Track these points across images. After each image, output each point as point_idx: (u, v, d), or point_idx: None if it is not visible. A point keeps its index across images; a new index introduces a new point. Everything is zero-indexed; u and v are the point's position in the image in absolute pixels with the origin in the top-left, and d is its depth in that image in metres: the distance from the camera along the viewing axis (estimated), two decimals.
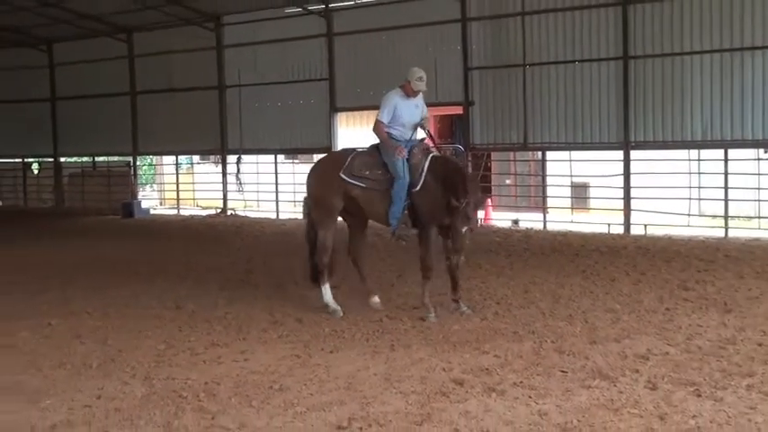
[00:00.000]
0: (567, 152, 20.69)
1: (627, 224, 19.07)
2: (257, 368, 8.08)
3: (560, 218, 20.76)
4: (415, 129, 10.64)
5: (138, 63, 28.01)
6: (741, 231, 18.08)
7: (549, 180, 21.41)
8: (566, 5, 19.52)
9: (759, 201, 19.04)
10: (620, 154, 19.26)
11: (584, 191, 22.44)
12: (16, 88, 31.12)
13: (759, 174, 18.74)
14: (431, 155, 10.51)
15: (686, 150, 19.29)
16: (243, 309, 10.98)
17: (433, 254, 10.35)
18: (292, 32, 24.05)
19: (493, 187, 23.42)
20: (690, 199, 19.41)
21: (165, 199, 31.21)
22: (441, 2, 21.10)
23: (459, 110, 21.91)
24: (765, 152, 18.75)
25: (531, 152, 22.28)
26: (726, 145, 18.01)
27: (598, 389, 7.10)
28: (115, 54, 28.05)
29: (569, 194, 22.10)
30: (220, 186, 26.48)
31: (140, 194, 29.54)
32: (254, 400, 7.08)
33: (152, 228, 23.09)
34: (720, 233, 17.86)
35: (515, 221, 20.80)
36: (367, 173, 10.55)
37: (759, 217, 18.93)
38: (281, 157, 26.45)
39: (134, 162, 28.85)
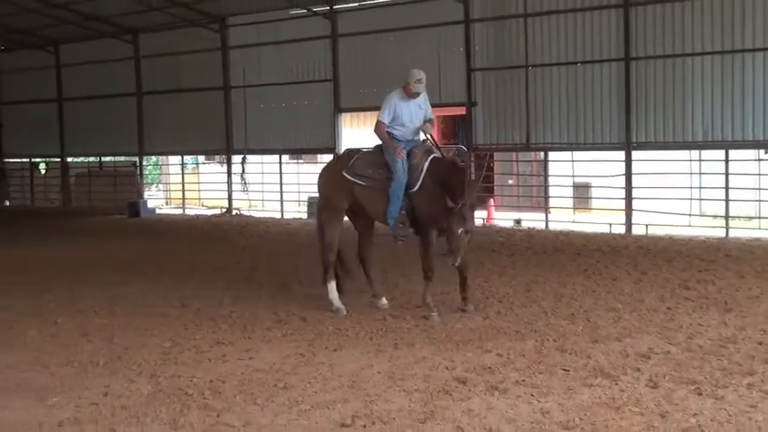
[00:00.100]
0: (570, 152, 20.67)
1: (628, 224, 19.05)
2: (262, 366, 8.08)
3: (562, 218, 20.76)
4: (417, 131, 10.66)
5: (143, 64, 28.03)
6: (742, 231, 18.05)
7: (551, 180, 21.42)
8: (568, 7, 19.51)
9: (759, 201, 19.02)
10: (621, 154, 19.24)
11: (586, 191, 22.42)
12: (24, 89, 31.23)
13: (759, 174, 18.72)
14: (431, 156, 10.48)
15: (687, 151, 19.26)
16: (248, 308, 10.99)
17: (433, 254, 10.34)
18: (297, 34, 24.06)
19: (495, 187, 23.42)
20: (691, 199, 19.39)
21: (170, 199, 31.21)
22: (444, 3, 21.08)
23: (462, 110, 21.90)
24: (766, 153, 18.71)
25: (533, 152, 22.26)
26: (727, 146, 17.99)
27: (600, 387, 7.10)
28: (121, 55, 28.08)
29: (571, 194, 22.08)
30: (225, 186, 26.47)
31: (146, 194, 29.52)
32: (258, 397, 7.09)
33: (158, 227, 23.11)
34: (721, 233, 17.84)
35: (518, 221, 20.79)
36: (369, 172, 10.60)
37: (759, 217, 18.90)
38: (285, 158, 26.48)
39: (140, 162, 28.86)
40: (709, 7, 17.77)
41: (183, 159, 29.47)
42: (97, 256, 16.95)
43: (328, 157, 23.81)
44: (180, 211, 27.66)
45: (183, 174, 29.35)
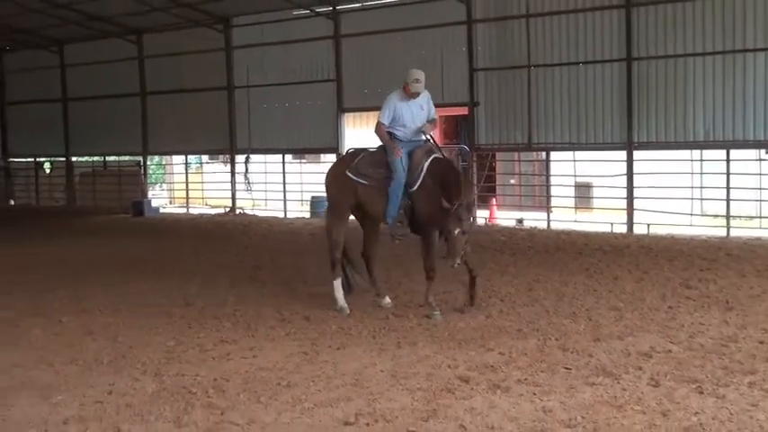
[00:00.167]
0: (571, 152, 20.65)
1: (630, 223, 19.05)
2: (265, 365, 8.08)
3: (564, 217, 20.76)
4: (419, 131, 10.64)
5: (148, 64, 28.05)
6: (743, 231, 18.06)
7: (553, 180, 21.42)
8: (570, 8, 19.51)
9: (760, 200, 19.00)
10: (623, 154, 19.25)
11: (588, 190, 22.42)
12: (28, 89, 31.29)
13: (760, 174, 18.70)
14: (432, 156, 10.44)
15: (688, 151, 19.24)
16: (251, 306, 10.98)
17: (434, 254, 10.32)
18: (300, 34, 24.08)
19: (498, 187, 23.42)
20: (692, 199, 19.36)
21: (174, 198, 31.25)
22: (446, 4, 21.08)
23: (464, 110, 21.90)
24: (767, 153, 18.69)
25: (535, 152, 22.26)
26: (728, 145, 17.99)
27: (602, 386, 7.09)
28: (125, 55, 28.10)
29: (573, 194, 22.08)
30: (229, 185, 26.51)
31: (150, 193, 29.57)
32: (262, 396, 7.09)
33: (162, 226, 23.12)
34: (722, 232, 17.84)
35: (520, 220, 20.79)
36: (370, 171, 10.61)
37: (760, 216, 18.90)
38: (288, 157, 26.47)
39: (144, 161, 28.90)
40: (711, 8, 17.78)
41: (186, 159, 29.46)
42: (101, 255, 16.95)
43: (331, 157, 24.02)
44: (184, 211, 27.67)
45: (186, 173, 29.33)
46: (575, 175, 21.42)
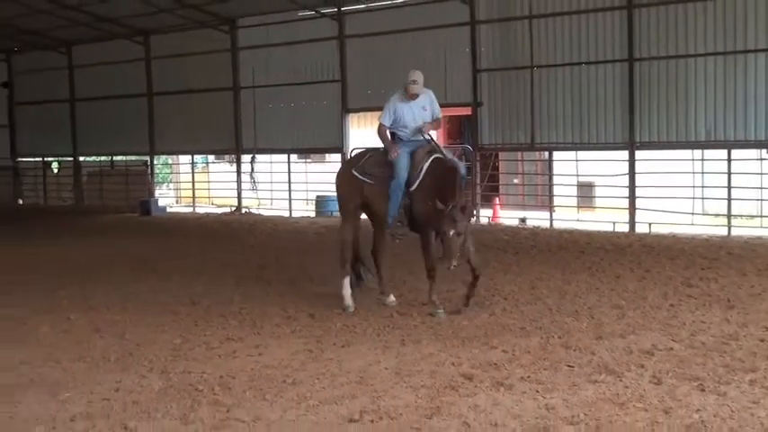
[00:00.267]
0: (574, 152, 20.63)
1: (632, 222, 19.03)
2: (271, 362, 8.08)
3: (567, 216, 20.72)
4: (416, 131, 10.58)
5: (154, 65, 28.07)
6: (744, 230, 18.01)
7: (555, 179, 21.39)
8: (572, 9, 19.49)
9: (761, 200, 18.95)
10: (625, 154, 19.22)
11: (590, 190, 22.38)
12: (37, 90, 31.32)
13: (761, 173, 18.65)
14: (433, 156, 10.37)
15: (690, 150, 19.21)
16: (257, 304, 10.99)
17: (433, 254, 10.29)
18: (305, 35, 24.08)
19: (501, 186, 23.42)
20: (693, 198, 19.33)
21: (181, 197, 31.24)
22: (450, 5, 21.08)
23: (468, 111, 21.89)
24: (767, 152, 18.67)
25: (538, 152, 22.20)
26: (729, 145, 17.95)
27: (604, 383, 7.09)
28: (133, 56, 28.11)
29: (575, 193, 22.05)
30: (235, 185, 26.50)
31: (157, 193, 29.58)
32: (267, 393, 7.08)
33: (168, 225, 23.13)
34: (723, 231, 17.79)
35: (523, 220, 20.77)
36: (375, 170, 10.61)
37: (761, 216, 18.86)
38: (293, 157, 26.45)
39: (151, 161, 28.92)
40: (712, 9, 17.75)
41: (193, 158, 29.50)
42: (109, 253, 16.97)
43: (336, 157, 24.09)
44: (190, 210, 27.68)
45: (193, 173, 29.38)
46: (577, 175, 21.39)
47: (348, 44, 23.43)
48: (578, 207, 21.89)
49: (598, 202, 21.84)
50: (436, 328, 9.38)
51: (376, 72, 22.53)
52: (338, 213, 22.02)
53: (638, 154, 19.04)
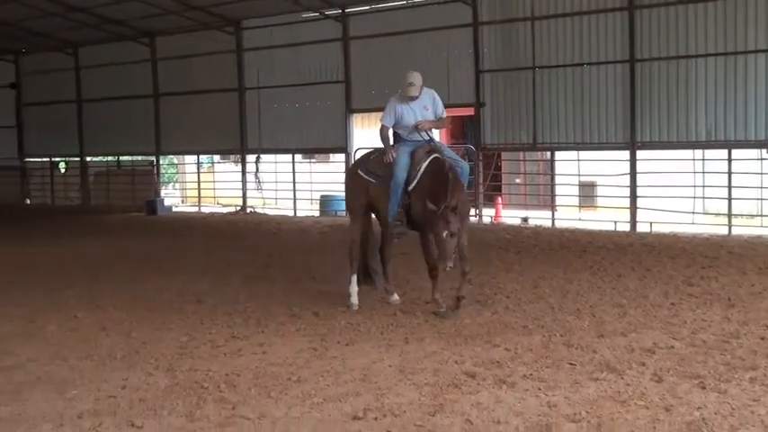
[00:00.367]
0: (575, 152, 20.63)
1: (633, 222, 19.03)
2: (276, 360, 8.08)
3: (568, 216, 20.72)
4: (413, 128, 10.47)
5: (160, 66, 28.09)
6: (744, 229, 18.01)
7: (557, 179, 21.38)
8: (574, 10, 19.49)
9: (761, 199, 18.92)
10: (626, 154, 19.22)
11: (592, 189, 22.37)
12: (44, 91, 31.37)
13: (761, 173, 18.62)
14: (432, 156, 10.24)
15: (691, 150, 19.20)
16: (262, 303, 11.00)
17: (433, 253, 10.24)
18: (309, 36, 24.11)
19: (503, 186, 23.42)
20: (694, 197, 19.31)
21: (186, 197, 31.30)
22: (453, 7, 21.09)
23: (470, 111, 21.90)
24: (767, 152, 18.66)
25: (540, 152, 22.23)
26: (729, 145, 17.95)
27: (606, 381, 7.08)
28: (139, 57, 28.16)
29: (577, 193, 22.04)
30: (240, 185, 26.53)
31: (163, 192, 29.62)
32: (272, 391, 7.08)
33: (174, 225, 23.14)
34: (724, 231, 17.78)
35: (525, 219, 20.76)
36: (379, 170, 10.56)
37: (761, 215, 18.83)
38: (298, 157, 26.48)
39: (157, 161, 28.94)
40: (713, 10, 17.74)
41: (198, 158, 29.54)
42: (115, 252, 16.99)
43: (340, 157, 24.10)
44: (196, 209, 27.71)
45: (198, 173, 29.40)
46: (579, 175, 21.38)
47: (352, 45, 23.45)
48: (580, 206, 21.88)
49: (599, 201, 21.84)
50: (439, 327, 9.37)
51: (379, 73, 22.51)
52: (342, 213, 22.24)
53: (639, 154, 19.04)
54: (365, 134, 24.22)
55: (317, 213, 24.54)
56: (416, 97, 10.43)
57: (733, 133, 17.81)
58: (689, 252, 14.80)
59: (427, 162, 10.19)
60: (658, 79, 18.58)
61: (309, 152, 27.10)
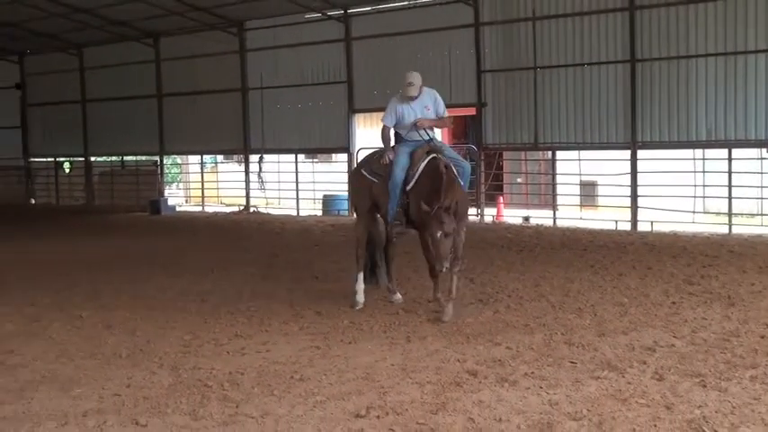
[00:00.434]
0: (576, 152, 20.62)
1: (634, 221, 19.01)
2: (279, 359, 8.09)
3: (569, 215, 20.70)
4: (412, 126, 10.39)
5: (164, 67, 28.09)
6: (744, 228, 17.99)
7: (558, 179, 21.37)
8: (575, 11, 19.47)
9: (761, 198, 18.90)
10: (627, 153, 19.20)
11: (593, 189, 22.35)
12: (48, 91, 31.38)
13: (762, 172, 18.60)
14: (431, 156, 10.12)
15: (691, 150, 19.19)
16: (265, 302, 11.00)
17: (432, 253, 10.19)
18: (312, 37, 24.10)
19: (505, 185, 23.41)
20: (695, 197, 19.29)
21: (190, 197, 31.30)
22: (455, 7, 21.09)
23: (472, 111, 21.88)
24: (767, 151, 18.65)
25: (541, 152, 22.23)
26: (730, 145, 17.92)
27: (607, 379, 7.08)
28: (143, 58, 28.17)
29: (578, 192, 22.02)
30: (243, 184, 26.52)
31: (167, 192, 29.63)
32: (276, 389, 7.09)
33: (178, 224, 23.14)
34: (724, 230, 17.76)
35: (526, 218, 20.76)
36: (381, 170, 10.53)
37: (761, 214, 18.81)
38: (301, 157, 26.47)
39: (161, 161, 28.96)
40: (713, 10, 17.71)
41: (202, 158, 29.53)
42: (119, 252, 16.99)
43: (343, 157, 24.11)
44: (199, 209, 27.71)
45: (202, 172, 29.41)
46: (580, 174, 21.37)
47: (354, 46, 23.43)
48: (581, 206, 21.86)
49: (600, 200, 21.82)
50: (441, 326, 9.36)
51: (382, 73, 22.49)
52: (344, 212, 22.24)
53: (640, 153, 19.02)
54: (368, 134, 24.22)
55: (319, 213, 24.55)
56: (415, 97, 10.35)
57: (733, 133, 17.79)
58: (689, 251, 14.79)
59: (425, 162, 10.09)
60: (659, 79, 18.56)
61: (312, 152, 27.08)
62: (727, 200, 18.14)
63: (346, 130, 23.72)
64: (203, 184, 28.68)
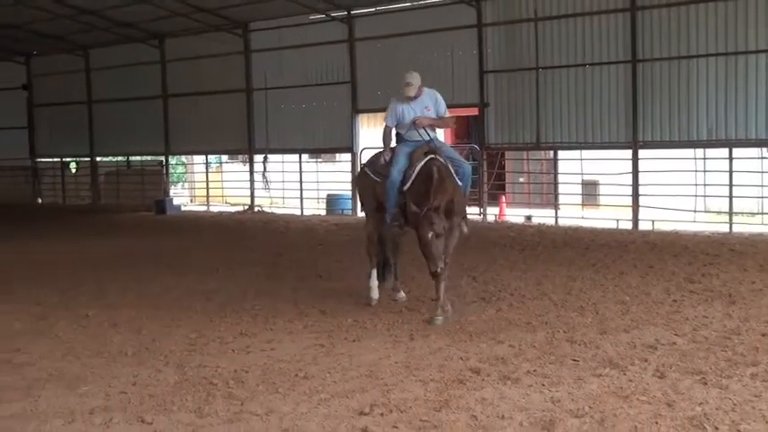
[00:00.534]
0: (578, 151, 20.62)
1: (635, 220, 19.00)
2: (283, 357, 8.09)
3: (571, 214, 20.68)
4: (411, 125, 10.31)
5: (169, 67, 28.10)
6: (745, 227, 17.96)
7: (560, 178, 21.37)
8: (576, 11, 19.46)
9: (762, 197, 18.87)
10: (628, 153, 19.19)
11: (595, 188, 22.32)
12: (55, 92, 31.43)
13: (762, 172, 18.58)
14: (429, 156, 9.99)
15: (692, 149, 19.17)
16: (269, 301, 11.00)
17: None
18: (316, 38, 24.10)
19: (507, 185, 23.40)
20: (696, 196, 19.27)
21: (195, 196, 31.32)
22: (457, 8, 21.09)
23: (475, 111, 21.88)
24: None
25: (543, 151, 22.21)
26: (730, 144, 17.91)
27: (608, 377, 7.07)
28: (148, 59, 28.19)
29: (580, 192, 22.00)
30: (248, 184, 26.55)
31: (172, 192, 29.62)
32: (280, 387, 7.09)
33: (183, 224, 23.16)
34: (725, 228, 17.74)
35: (528, 217, 20.74)
36: (384, 169, 10.48)
37: (762, 213, 18.79)
38: (305, 157, 26.49)
39: (166, 161, 28.95)
40: (714, 10, 17.70)
41: (207, 159, 29.54)
42: (125, 251, 17.01)
43: (346, 157, 24.11)
44: (204, 209, 27.72)
45: (207, 172, 29.40)
46: (581, 174, 21.35)
47: (358, 47, 23.43)
48: (583, 205, 21.84)
49: (602, 200, 21.79)
50: (444, 323, 9.36)
51: (385, 73, 22.45)
52: (348, 212, 22.24)
53: (642, 153, 19.01)
54: (371, 134, 24.22)
55: (323, 212, 24.55)
56: (413, 97, 10.25)
57: (734, 132, 17.77)
58: (690, 250, 14.77)
59: (422, 163, 9.96)
60: (660, 79, 18.55)
61: (316, 152, 27.11)
62: (727, 199, 18.13)
63: (350, 131, 23.72)
64: (208, 184, 28.68)
